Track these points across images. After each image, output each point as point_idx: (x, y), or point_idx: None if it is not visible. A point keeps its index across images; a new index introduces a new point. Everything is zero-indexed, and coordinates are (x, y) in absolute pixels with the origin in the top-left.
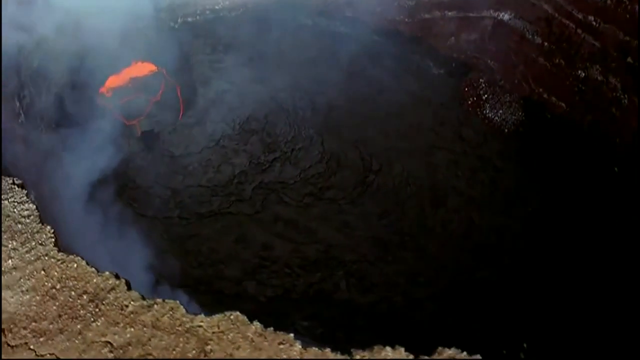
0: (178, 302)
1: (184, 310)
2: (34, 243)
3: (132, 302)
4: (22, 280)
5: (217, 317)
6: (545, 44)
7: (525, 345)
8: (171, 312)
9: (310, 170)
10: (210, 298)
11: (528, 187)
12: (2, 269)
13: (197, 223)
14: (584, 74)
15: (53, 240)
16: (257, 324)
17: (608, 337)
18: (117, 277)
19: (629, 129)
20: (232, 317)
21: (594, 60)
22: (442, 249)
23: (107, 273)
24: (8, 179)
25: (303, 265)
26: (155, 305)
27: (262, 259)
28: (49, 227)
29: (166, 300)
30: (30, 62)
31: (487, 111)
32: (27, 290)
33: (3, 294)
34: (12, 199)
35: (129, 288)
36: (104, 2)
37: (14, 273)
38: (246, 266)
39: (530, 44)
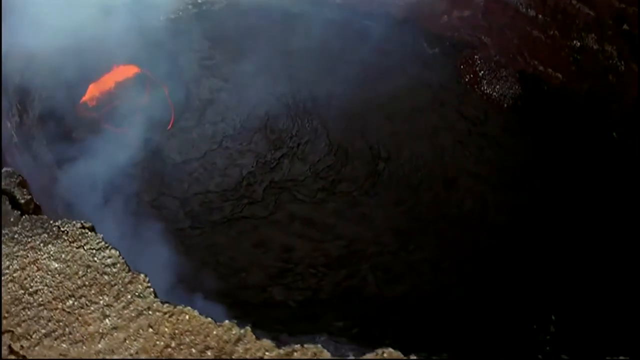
0: (320, 345)
1: (328, 354)
2: (129, 296)
3: (266, 353)
4: (127, 342)
5: (368, 356)
6: (540, 16)
7: (553, 317)
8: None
9: (320, 164)
10: (238, 310)
11: (533, 160)
12: (100, 330)
13: (210, 232)
14: (579, 44)
15: (151, 290)
16: (414, 358)
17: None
18: (239, 325)
19: (627, 95)
20: (385, 354)
21: (590, 29)
22: (460, 232)
23: (227, 322)
24: (76, 222)
25: (327, 263)
26: (295, 353)
27: (284, 262)
28: (142, 274)
29: (305, 346)
30: (13, 78)
31: (485, 87)
32: (136, 353)
33: (108, 358)
34: (88, 246)
35: (257, 336)
36: (80, 4)
37: (115, 334)
38: (269, 272)
39: (524, 17)
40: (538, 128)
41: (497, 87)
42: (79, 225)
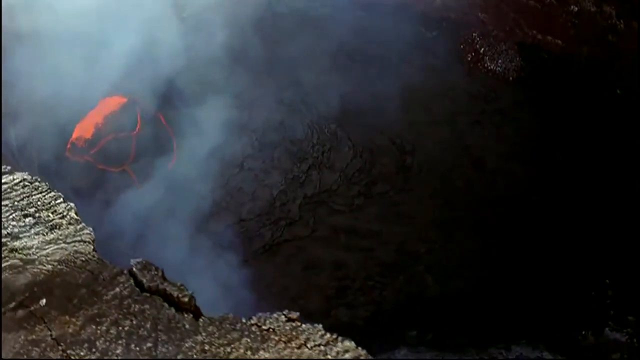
0: None
1: None
2: None
3: None
4: None
5: None
6: None
7: (607, 281)
8: None
9: (349, 168)
10: None
11: (548, 128)
12: None
13: (255, 262)
14: (577, 9)
15: None
16: None
17: None
18: None
19: (627, 52)
20: None
21: None
22: (499, 213)
23: None
24: (278, 315)
25: (383, 272)
26: None
27: (339, 280)
28: None
29: None
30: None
31: (488, 63)
32: None
33: None
34: (312, 343)
35: None
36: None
37: None
38: (327, 293)
39: None
40: (546, 96)
41: (500, 61)
42: (283, 318)
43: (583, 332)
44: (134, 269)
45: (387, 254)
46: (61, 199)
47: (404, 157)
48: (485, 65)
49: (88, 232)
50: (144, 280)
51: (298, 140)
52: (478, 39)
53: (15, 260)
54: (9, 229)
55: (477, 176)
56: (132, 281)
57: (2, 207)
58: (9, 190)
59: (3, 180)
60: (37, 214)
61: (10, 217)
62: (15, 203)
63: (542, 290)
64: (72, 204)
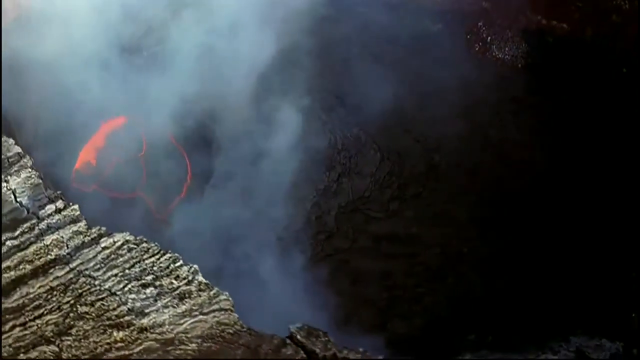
0: None
1: None
2: None
3: None
4: None
5: None
6: None
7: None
8: None
9: (378, 172)
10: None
11: (563, 113)
12: None
13: (300, 282)
14: None
15: None
16: None
17: None
18: None
19: (631, 31)
20: None
21: None
22: (532, 211)
23: None
24: None
25: (431, 277)
26: None
27: (389, 291)
28: None
29: None
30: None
31: (496, 52)
32: None
33: None
34: None
35: None
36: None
37: None
38: (379, 306)
39: None
40: (555, 79)
41: (507, 49)
42: None
43: (633, 315)
44: (298, 336)
45: (432, 258)
46: (180, 261)
47: (431, 155)
48: (494, 54)
49: (225, 297)
50: (317, 350)
51: (323, 148)
52: (484, 28)
53: (151, 342)
54: (129, 303)
55: (503, 170)
56: (302, 353)
57: (114, 277)
58: (113, 256)
59: (103, 245)
60: (157, 282)
61: (126, 289)
62: (127, 271)
63: (585, 277)
64: (195, 266)
